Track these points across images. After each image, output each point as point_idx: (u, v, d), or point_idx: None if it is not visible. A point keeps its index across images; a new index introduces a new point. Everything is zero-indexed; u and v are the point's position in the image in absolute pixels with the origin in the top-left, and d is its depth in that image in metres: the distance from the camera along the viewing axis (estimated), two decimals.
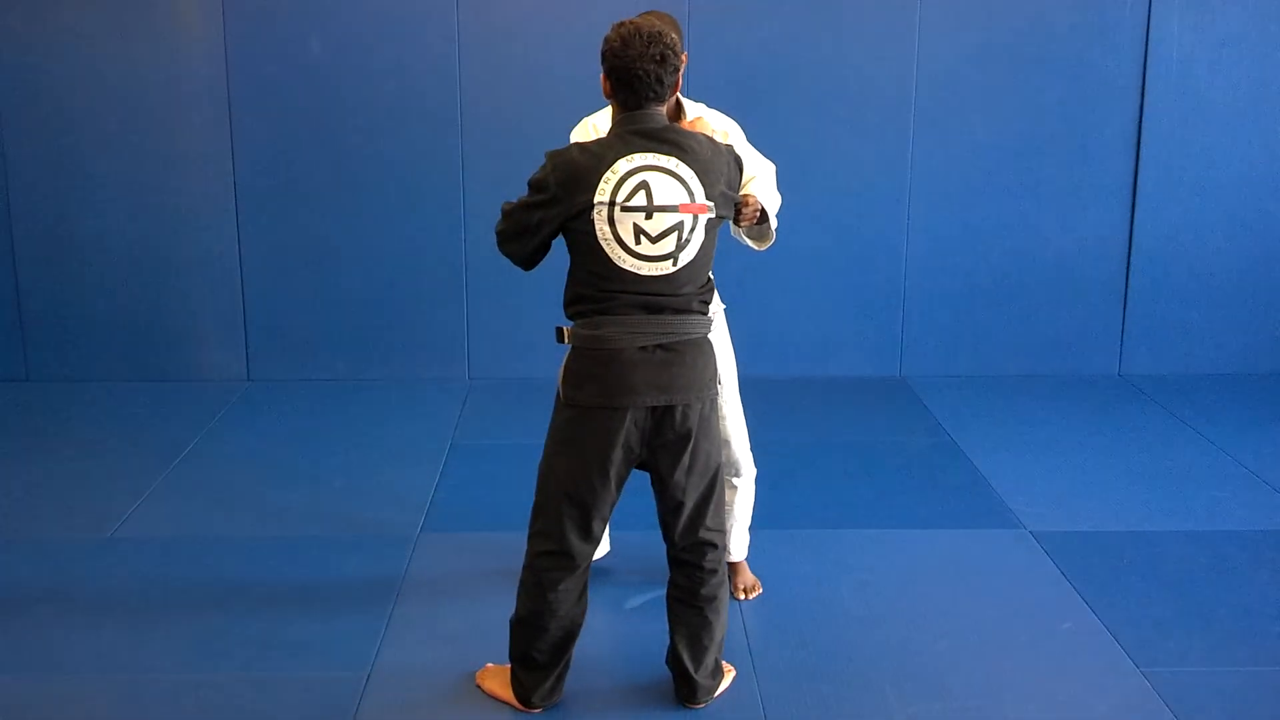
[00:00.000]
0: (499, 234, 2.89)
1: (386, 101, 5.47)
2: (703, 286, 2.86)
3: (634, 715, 3.00)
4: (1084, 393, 5.57)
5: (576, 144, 2.81)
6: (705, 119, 3.22)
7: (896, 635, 3.39)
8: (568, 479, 2.85)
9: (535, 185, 2.80)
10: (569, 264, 2.84)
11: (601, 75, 2.81)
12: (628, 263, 2.74)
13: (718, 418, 2.97)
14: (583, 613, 2.97)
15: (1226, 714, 3.03)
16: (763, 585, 3.64)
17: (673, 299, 2.79)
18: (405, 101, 5.48)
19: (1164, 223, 5.69)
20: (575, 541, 2.87)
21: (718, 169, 2.80)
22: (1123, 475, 4.59)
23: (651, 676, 3.14)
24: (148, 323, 5.66)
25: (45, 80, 5.42)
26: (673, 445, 2.85)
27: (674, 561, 3.00)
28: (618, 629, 3.43)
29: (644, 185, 2.71)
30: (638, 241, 2.73)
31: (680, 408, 2.82)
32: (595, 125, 3.28)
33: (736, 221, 3.06)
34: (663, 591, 3.11)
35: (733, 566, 3.61)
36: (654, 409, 2.80)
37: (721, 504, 2.99)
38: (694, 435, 2.85)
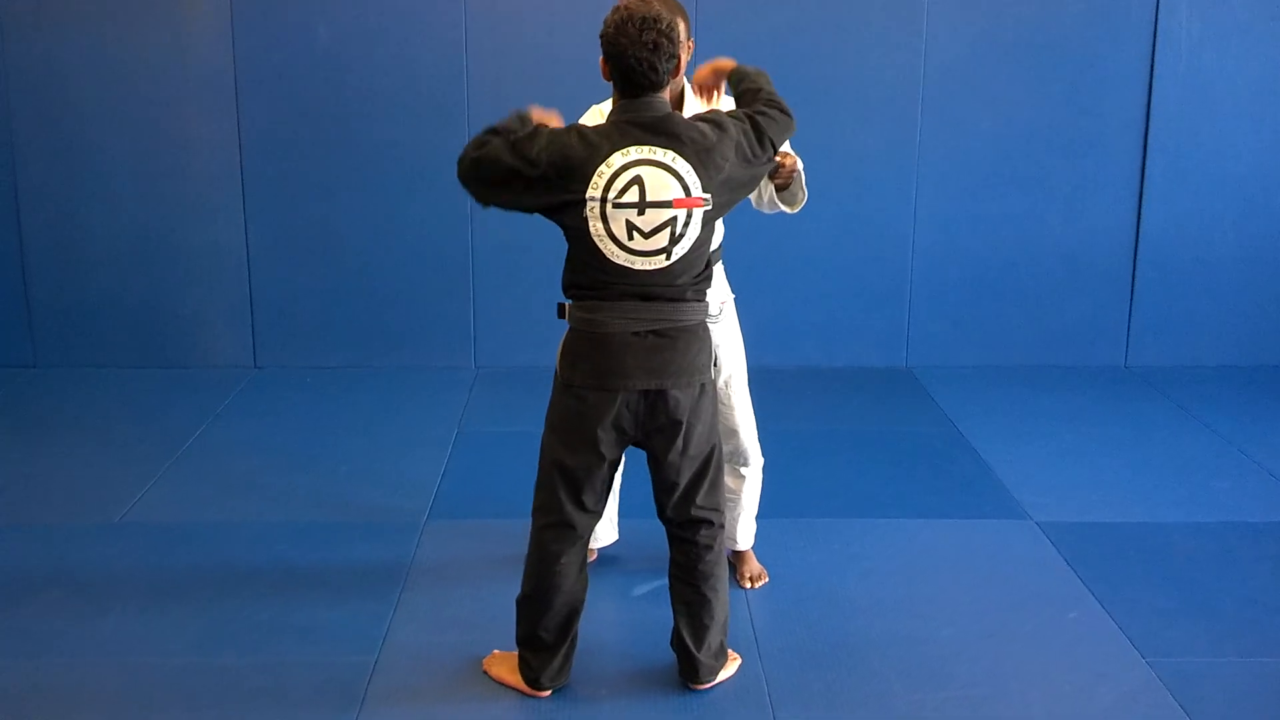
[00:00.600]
0: (469, 162, 2.75)
1: (394, 88, 5.47)
2: (699, 275, 2.85)
3: (640, 699, 3.02)
4: (1090, 384, 5.57)
5: (576, 129, 2.77)
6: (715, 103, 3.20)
7: (902, 624, 3.39)
8: (561, 454, 2.89)
9: (523, 153, 2.71)
10: (568, 247, 2.85)
11: (600, 60, 2.80)
12: (621, 258, 2.74)
13: (713, 401, 2.97)
14: (584, 589, 3.00)
15: (1231, 704, 3.03)
16: (769, 574, 3.65)
17: (667, 289, 2.80)
18: (412, 88, 5.48)
19: (1171, 213, 5.68)
20: (573, 513, 2.91)
21: (720, 156, 2.76)
22: (1129, 466, 4.59)
23: (659, 661, 3.16)
24: (155, 309, 5.67)
25: (53, 67, 5.42)
26: (666, 429, 2.86)
27: (671, 539, 3.03)
28: (625, 615, 3.44)
29: (637, 180, 2.69)
30: (630, 237, 2.72)
31: (672, 392, 2.83)
32: (603, 112, 3.27)
33: (773, 177, 3.03)
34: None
35: (739, 555, 3.62)
36: (646, 393, 2.82)
37: (718, 484, 3.00)
38: (686, 420, 2.86)
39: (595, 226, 2.71)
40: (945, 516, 4.13)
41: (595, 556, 3.66)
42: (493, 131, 2.80)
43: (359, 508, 4.16)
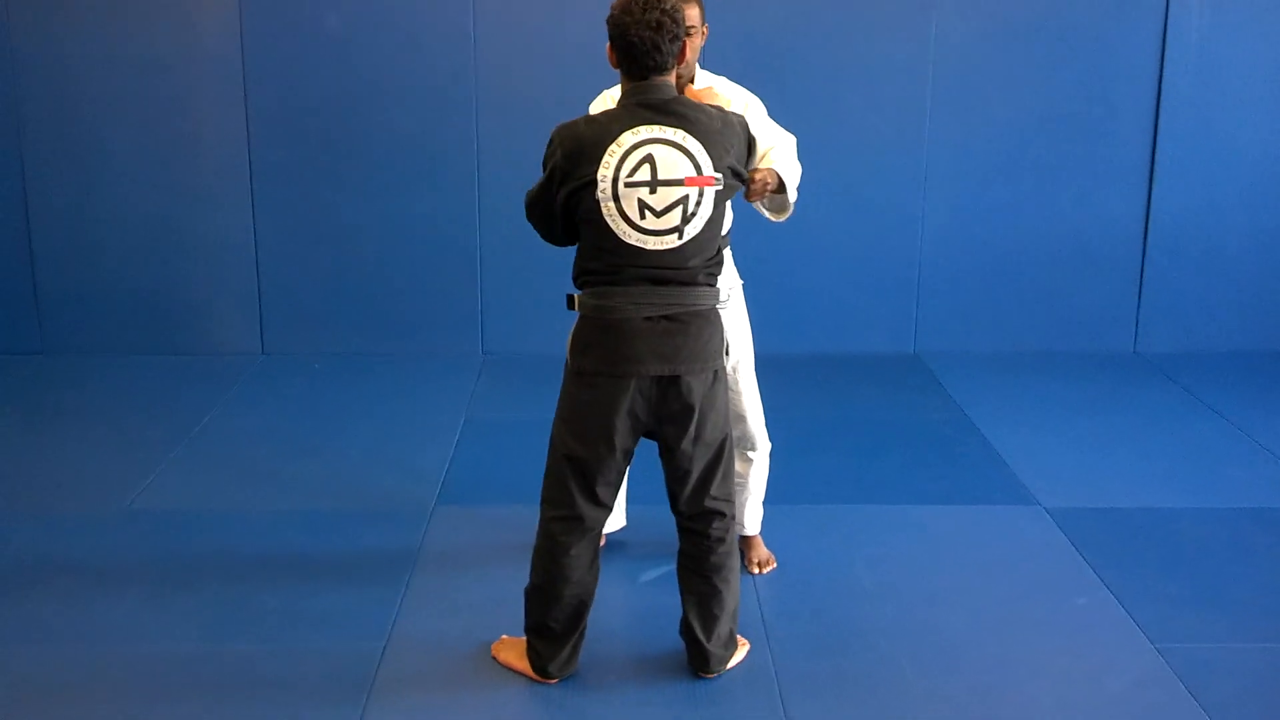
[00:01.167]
0: (531, 222, 2.91)
1: (402, 77, 5.46)
2: (710, 259, 2.84)
3: (648, 686, 3.02)
4: (1100, 370, 5.56)
5: (583, 117, 2.80)
6: (716, 89, 3.19)
7: (911, 610, 3.39)
8: (572, 445, 2.86)
9: (545, 163, 2.80)
10: (580, 239, 2.85)
11: (607, 45, 2.79)
12: (633, 238, 2.73)
13: (726, 388, 2.96)
14: (595, 580, 2.99)
15: (1240, 691, 3.02)
16: (777, 560, 3.65)
17: (680, 271, 2.78)
18: (421, 77, 5.47)
19: (1181, 200, 5.66)
20: (584, 506, 2.89)
21: (727, 140, 2.77)
22: (1138, 452, 4.58)
23: (666, 648, 3.16)
24: (163, 296, 5.67)
25: (62, 57, 5.41)
26: (679, 415, 2.84)
27: (682, 530, 3.01)
28: (632, 602, 3.45)
29: (648, 159, 2.69)
30: (642, 216, 2.71)
31: (685, 378, 2.81)
32: (613, 98, 3.27)
33: (746, 198, 3.04)
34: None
35: (747, 541, 3.62)
36: (659, 379, 2.80)
37: (730, 473, 2.98)
38: (699, 406, 2.84)
39: (607, 206, 2.71)
40: (954, 503, 4.13)
41: (604, 542, 3.65)
42: None
43: (367, 494, 4.16)
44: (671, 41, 2.72)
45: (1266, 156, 5.63)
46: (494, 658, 3.12)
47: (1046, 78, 5.54)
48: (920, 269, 5.73)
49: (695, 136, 2.73)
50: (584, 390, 2.84)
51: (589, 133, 2.73)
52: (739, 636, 3.13)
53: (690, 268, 2.79)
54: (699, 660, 3.03)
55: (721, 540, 2.98)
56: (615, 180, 2.69)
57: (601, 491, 2.89)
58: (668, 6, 2.70)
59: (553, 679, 3.01)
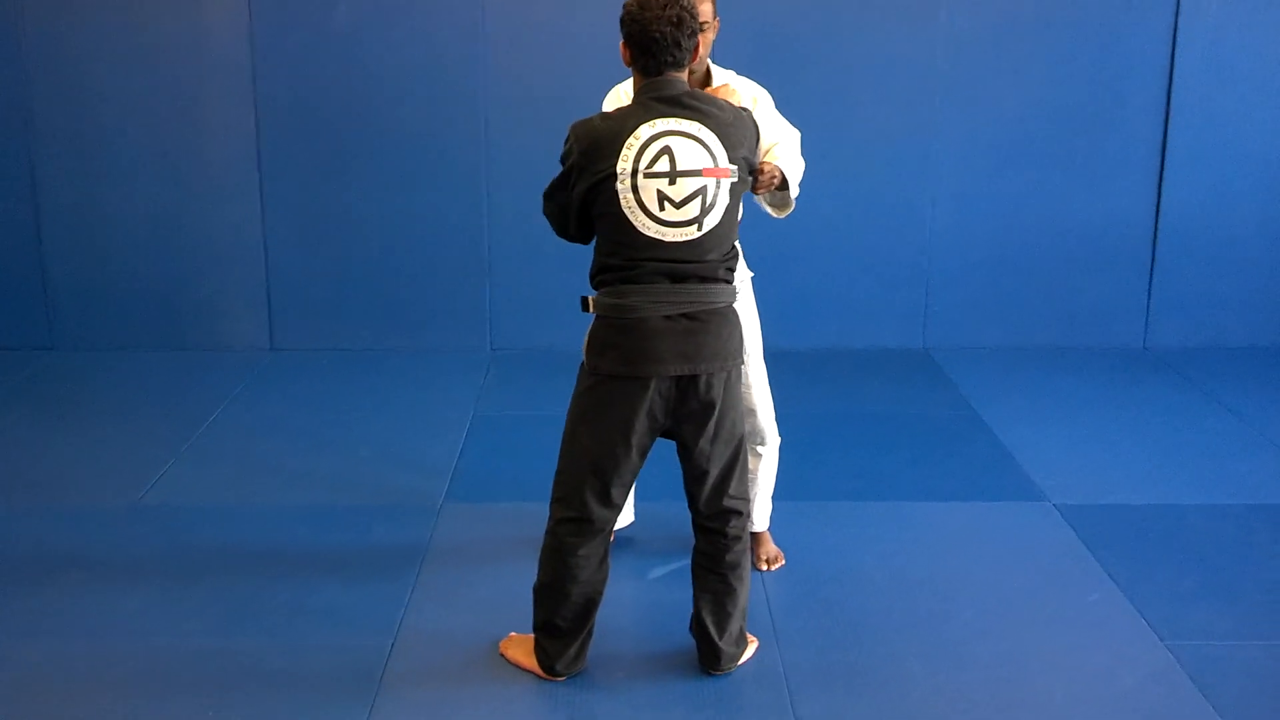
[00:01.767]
0: (549, 219, 2.92)
1: (411, 72, 5.46)
2: (727, 254, 2.84)
3: (658, 683, 3.01)
4: (1109, 365, 5.54)
5: (599, 113, 2.81)
6: (733, 85, 3.20)
7: (920, 606, 3.39)
8: (590, 447, 2.85)
9: (563, 159, 2.81)
10: (596, 238, 2.85)
11: (621, 44, 2.79)
12: (652, 229, 2.73)
13: (742, 386, 2.96)
14: (604, 579, 2.98)
15: (1251, 687, 3.01)
16: (785, 556, 3.64)
17: (698, 266, 2.78)
18: (429, 72, 5.46)
19: (1192, 194, 5.64)
20: (596, 508, 2.88)
21: (740, 133, 2.79)
22: (1148, 448, 4.57)
23: (675, 645, 3.15)
24: (172, 292, 5.69)
25: (72, 52, 5.42)
26: (698, 414, 2.84)
27: (698, 529, 3.00)
28: (642, 598, 3.44)
29: (667, 150, 2.70)
30: (662, 208, 2.71)
31: (705, 377, 2.81)
32: (626, 92, 3.27)
33: (754, 190, 3.04)
34: (687, 561, 3.12)
35: (755, 537, 3.61)
36: (679, 379, 2.80)
37: (745, 472, 2.98)
38: (719, 404, 2.84)
39: (626, 199, 2.71)
40: (963, 499, 4.12)
41: (613, 539, 3.64)
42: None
43: (376, 490, 4.17)
44: (690, 37, 2.74)
45: (1277, 149, 5.60)
46: (502, 655, 3.12)
47: (1056, 70, 5.52)
48: (929, 263, 5.71)
49: (711, 128, 2.74)
50: (603, 392, 2.83)
51: (605, 127, 2.73)
52: (748, 634, 3.13)
53: (709, 261, 2.79)
54: (710, 658, 3.03)
55: (738, 538, 2.98)
56: (634, 172, 2.70)
57: (616, 493, 2.89)
58: (685, 2, 2.72)
59: (560, 677, 3.01)
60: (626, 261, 2.77)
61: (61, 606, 3.38)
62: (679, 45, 2.72)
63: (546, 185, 2.89)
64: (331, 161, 5.56)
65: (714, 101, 2.79)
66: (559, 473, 2.93)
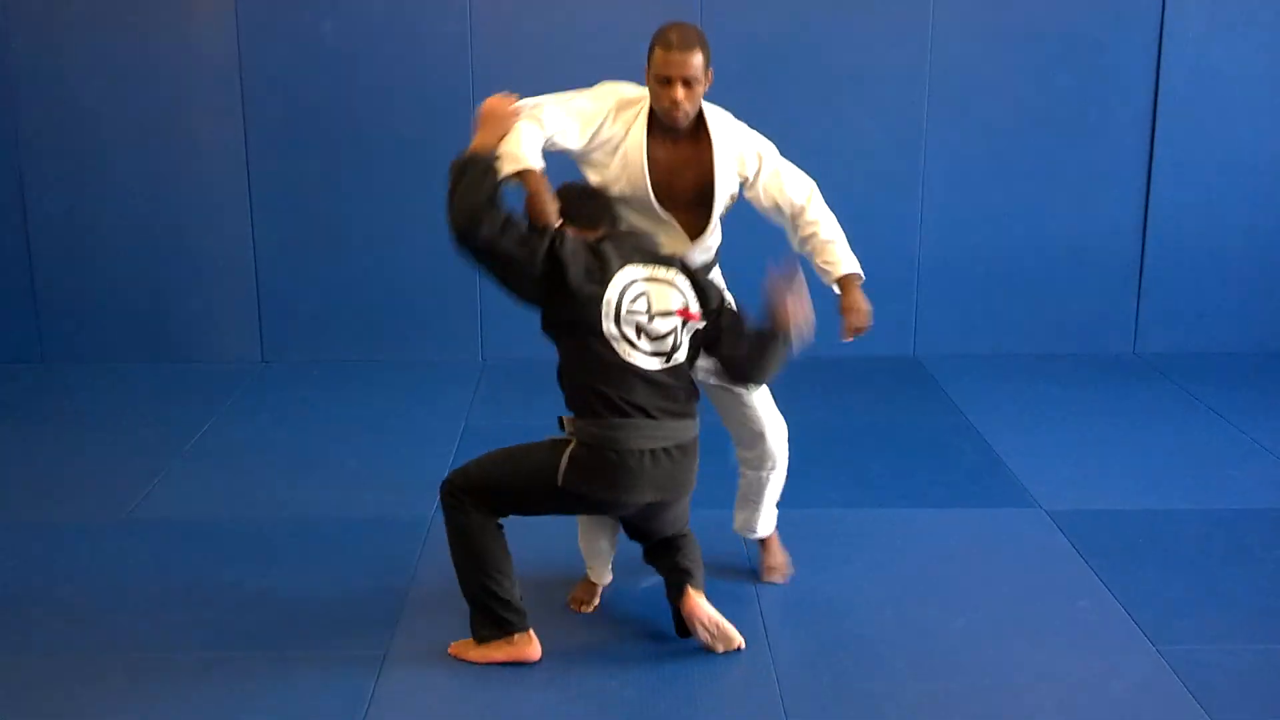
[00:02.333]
0: (480, 245, 2.93)
1: (399, 84, 5.46)
2: (690, 390, 3.05)
3: (650, 691, 3.00)
4: (1099, 372, 5.55)
5: (584, 244, 2.96)
6: (731, 141, 3.16)
7: (912, 614, 3.38)
8: (523, 488, 3.02)
9: (548, 242, 2.93)
10: (560, 359, 3.04)
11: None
12: (630, 355, 2.93)
13: (746, 408, 3.33)
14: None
15: (1242, 693, 3.02)
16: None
17: (671, 405, 2.97)
18: (418, 84, 5.47)
19: (1179, 202, 5.66)
20: (486, 512, 3.04)
21: (713, 298, 3.09)
22: (1138, 454, 4.58)
23: (668, 652, 3.16)
24: (162, 304, 5.68)
25: (60, 64, 5.42)
26: (658, 514, 3.08)
27: (647, 550, 3.27)
28: (632, 608, 3.43)
29: (644, 295, 2.95)
30: (639, 337, 2.94)
31: (671, 500, 3.06)
32: (624, 96, 3.18)
33: (844, 337, 3.46)
34: None
35: (763, 544, 3.59)
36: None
37: (687, 511, 3.21)
38: (673, 506, 3.09)
39: (609, 329, 2.93)
40: (954, 506, 4.12)
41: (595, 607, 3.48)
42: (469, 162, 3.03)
43: (367, 502, 4.16)
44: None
45: (1264, 157, 5.63)
46: (466, 659, 3.11)
47: (1044, 81, 5.54)
48: (919, 272, 5.72)
49: (688, 279, 3.03)
50: (567, 497, 2.97)
51: (590, 261, 2.94)
52: (734, 633, 3.14)
53: (677, 396, 2.99)
54: (680, 580, 3.13)
55: (684, 535, 3.22)
56: (618, 308, 2.92)
57: (509, 513, 3.07)
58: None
59: (527, 630, 3.06)
60: (605, 392, 2.93)
61: (48, 622, 3.36)
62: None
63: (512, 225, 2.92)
64: (321, 173, 5.56)
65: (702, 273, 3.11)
66: (479, 467, 3.07)
